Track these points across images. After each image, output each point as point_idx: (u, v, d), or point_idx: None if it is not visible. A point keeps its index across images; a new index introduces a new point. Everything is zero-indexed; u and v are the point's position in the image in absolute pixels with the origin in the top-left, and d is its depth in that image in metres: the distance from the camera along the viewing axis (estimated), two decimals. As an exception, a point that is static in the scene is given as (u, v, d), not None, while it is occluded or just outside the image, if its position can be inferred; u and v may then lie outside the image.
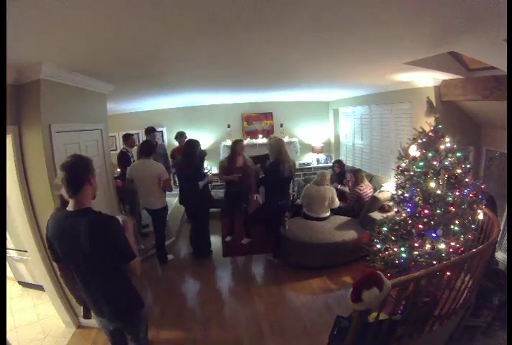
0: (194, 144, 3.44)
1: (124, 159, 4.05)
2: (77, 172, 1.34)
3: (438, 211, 2.21)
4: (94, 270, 1.39)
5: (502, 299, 2.36)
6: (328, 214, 3.66)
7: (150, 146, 3.44)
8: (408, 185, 2.38)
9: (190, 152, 3.40)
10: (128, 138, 4.29)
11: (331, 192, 3.63)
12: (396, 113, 4.27)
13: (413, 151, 2.46)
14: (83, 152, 2.63)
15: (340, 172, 4.73)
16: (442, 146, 2.31)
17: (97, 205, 2.96)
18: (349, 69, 2.91)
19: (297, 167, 6.27)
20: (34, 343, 2.33)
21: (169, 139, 6.09)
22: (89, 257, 1.34)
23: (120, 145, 6.02)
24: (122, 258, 1.39)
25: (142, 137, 5.69)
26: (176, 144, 5.18)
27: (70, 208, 1.37)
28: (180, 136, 4.91)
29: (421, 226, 2.22)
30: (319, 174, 3.71)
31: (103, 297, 1.46)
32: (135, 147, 4.20)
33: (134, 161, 3.91)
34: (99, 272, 1.40)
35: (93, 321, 2.46)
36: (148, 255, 3.82)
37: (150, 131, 4.73)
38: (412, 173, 2.37)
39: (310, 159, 6.57)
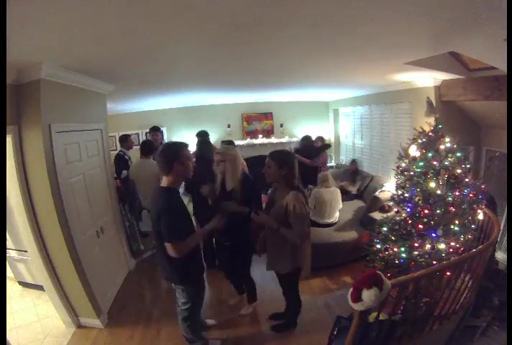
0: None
1: (120, 162, 3.83)
2: (166, 158, 1.69)
3: (438, 211, 2.21)
4: (157, 238, 1.73)
5: (502, 299, 2.36)
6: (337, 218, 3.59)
7: (150, 146, 3.45)
8: (408, 185, 2.38)
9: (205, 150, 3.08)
10: (125, 139, 4.01)
11: (338, 193, 3.61)
12: (396, 113, 4.27)
13: (413, 151, 2.46)
14: (83, 152, 2.64)
15: (354, 172, 5.15)
16: (442, 146, 2.31)
17: (96, 204, 2.97)
18: (349, 69, 2.91)
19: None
20: (34, 343, 2.33)
21: (169, 139, 6.08)
22: (156, 227, 1.69)
23: (120, 145, 6.03)
24: (164, 236, 1.66)
25: (143, 137, 5.66)
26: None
27: (162, 184, 1.75)
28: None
29: (421, 226, 2.22)
30: (324, 176, 3.58)
31: (161, 264, 1.88)
32: (134, 148, 4.08)
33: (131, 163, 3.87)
34: (159, 240, 1.71)
35: (93, 321, 2.49)
36: (149, 255, 3.83)
37: (154, 130, 4.39)
38: (412, 173, 2.37)
39: (310, 159, 6.57)
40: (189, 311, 1.97)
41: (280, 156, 1.94)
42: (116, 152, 4.13)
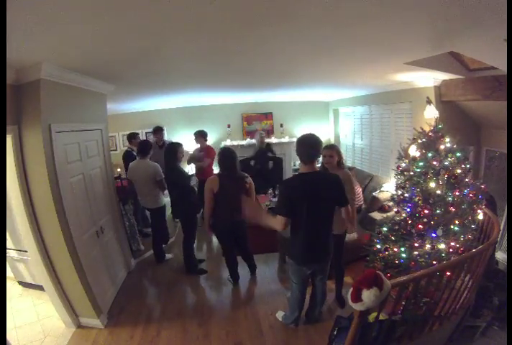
0: (176, 146, 3.26)
1: (128, 158, 4.04)
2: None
3: (438, 211, 2.20)
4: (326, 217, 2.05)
5: (502, 299, 2.36)
6: None
7: (147, 147, 3.47)
8: (408, 185, 2.38)
9: (171, 155, 3.22)
10: (133, 137, 4.34)
11: None
12: (396, 113, 4.27)
13: (413, 151, 2.45)
14: (83, 152, 2.64)
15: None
16: (442, 146, 2.30)
17: (96, 205, 2.96)
18: (349, 69, 2.91)
19: (296, 167, 6.29)
20: (34, 343, 2.33)
21: (168, 139, 6.07)
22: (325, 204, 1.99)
23: (120, 145, 6.04)
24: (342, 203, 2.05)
25: (143, 136, 5.70)
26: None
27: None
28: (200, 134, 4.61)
29: (421, 226, 2.22)
30: None
31: (327, 239, 2.12)
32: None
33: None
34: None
35: (93, 321, 2.49)
36: (149, 255, 3.83)
37: (159, 129, 4.72)
38: (412, 173, 2.37)
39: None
40: None
41: None
42: (117, 151, 4.21)
